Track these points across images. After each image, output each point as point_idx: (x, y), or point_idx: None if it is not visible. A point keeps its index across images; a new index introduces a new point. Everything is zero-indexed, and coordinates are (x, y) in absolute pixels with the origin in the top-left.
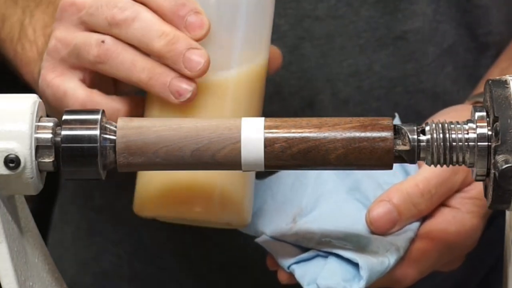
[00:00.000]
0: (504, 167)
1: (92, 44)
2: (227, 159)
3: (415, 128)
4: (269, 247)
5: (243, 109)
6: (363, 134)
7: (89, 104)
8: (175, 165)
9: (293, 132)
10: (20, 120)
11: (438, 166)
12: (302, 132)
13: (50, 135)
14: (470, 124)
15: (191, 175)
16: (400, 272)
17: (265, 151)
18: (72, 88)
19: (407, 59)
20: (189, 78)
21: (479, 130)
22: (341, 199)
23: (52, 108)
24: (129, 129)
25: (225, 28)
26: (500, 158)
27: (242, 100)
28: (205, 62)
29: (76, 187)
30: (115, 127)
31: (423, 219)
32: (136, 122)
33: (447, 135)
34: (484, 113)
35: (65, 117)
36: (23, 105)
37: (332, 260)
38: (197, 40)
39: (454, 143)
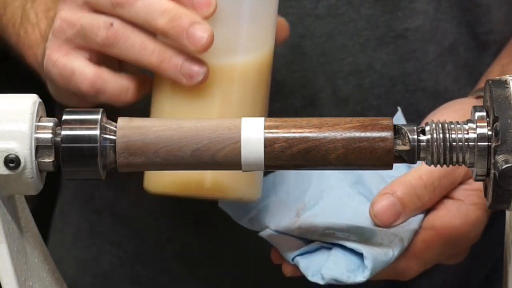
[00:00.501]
0: (504, 167)
1: (100, 26)
2: (227, 159)
3: (415, 128)
4: (273, 240)
5: (250, 96)
6: (363, 134)
7: (98, 82)
8: (175, 165)
9: (293, 132)
10: (20, 120)
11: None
12: (302, 132)
13: (50, 135)
14: (470, 124)
15: None
16: (404, 264)
17: (265, 151)
18: (80, 66)
19: (408, 57)
20: (200, 61)
21: (479, 130)
22: (345, 193)
23: (58, 87)
24: (129, 129)
25: (233, 14)
26: (500, 158)
27: (249, 86)
28: (208, 36)
29: (77, 188)
30: (115, 127)
31: (427, 211)
32: (136, 122)
33: (447, 135)
34: (484, 113)
35: (65, 117)
36: (23, 105)
37: (336, 251)
38: (205, 18)
39: (454, 143)
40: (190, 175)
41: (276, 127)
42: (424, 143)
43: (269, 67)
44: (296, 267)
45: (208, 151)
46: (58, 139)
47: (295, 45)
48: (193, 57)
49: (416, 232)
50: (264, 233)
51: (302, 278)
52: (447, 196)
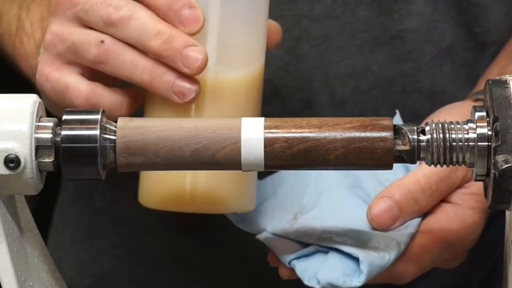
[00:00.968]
0: (504, 167)
1: (91, 43)
2: (227, 159)
3: (415, 128)
4: (270, 243)
5: (240, 112)
6: (363, 134)
7: (93, 98)
8: (175, 165)
9: (293, 132)
10: (20, 120)
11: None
12: (302, 132)
13: (50, 135)
14: (470, 124)
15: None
16: (401, 267)
17: (265, 151)
18: (74, 82)
19: (404, 58)
20: (192, 78)
21: (479, 130)
22: (342, 196)
23: (51, 102)
24: (129, 129)
25: (223, 29)
26: (500, 158)
27: (240, 102)
28: (203, 58)
29: (75, 189)
30: (115, 127)
31: (424, 215)
32: (136, 122)
33: (447, 135)
34: (484, 113)
35: (65, 117)
36: (23, 105)
37: (332, 255)
38: (193, 35)
39: (454, 143)
40: (183, 191)
41: (276, 127)
42: (424, 143)
43: (260, 82)
44: (292, 270)
45: (208, 151)
46: (58, 139)
47: (292, 47)
48: (185, 75)
49: (413, 236)
50: (261, 236)
51: (299, 282)
52: (444, 200)
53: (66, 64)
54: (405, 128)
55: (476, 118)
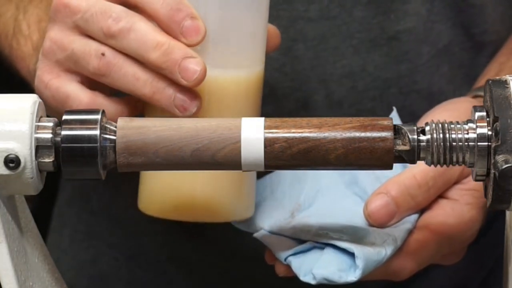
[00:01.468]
0: (504, 167)
1: (92, 54)
2: (227, 159)
3: (415, 128)
4: (267, 241)
5: (241, 112)
6: (363, 134)
7: (93, 107)
8: (175, 165)
9: (293, 132)
10: (20, 120)
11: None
12: (302, 132)
13: (50, 135)
14: (470, 124)
15: (193, 178)
16: (398, 263)
17: (265, 151)
18: (74, 90)
19: (401, 59)
20: (193, 92)
21: (479, 130)
22: (339, 193)
23: (51, 108)
24: (129, 129)
25: (224, 32)
26: (500, 158)
27: (239, 104)
28: (201, 70)
29: (74, 190)
30: (115, 127)
31: (422, 211)
32: (136, 122)
33: (447, 135)
34: (484, 113)
35: (65, 117)
36: (23, 105)
37: (328, 251)
38: (193, 46)
39: (454, 143)
40: (181, 199)
41: (276, 127)
42: (424, 143)
43: (260, 84)
44: (288, 267)
45: (208, 151)
46: (58, 139)
47: (288, 48)
48: (186, 88)
49: (410, 232)
50: (258, 234)
51: (296, 279)
52: (441, 196)
53: (65, 71)
54: (405, 128)
55: (476, 118)
